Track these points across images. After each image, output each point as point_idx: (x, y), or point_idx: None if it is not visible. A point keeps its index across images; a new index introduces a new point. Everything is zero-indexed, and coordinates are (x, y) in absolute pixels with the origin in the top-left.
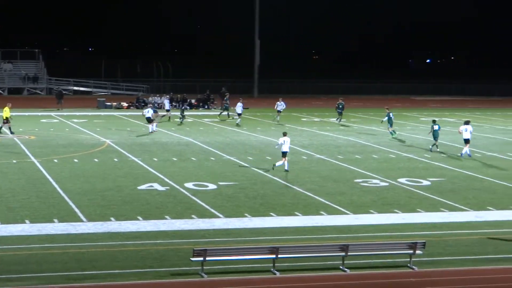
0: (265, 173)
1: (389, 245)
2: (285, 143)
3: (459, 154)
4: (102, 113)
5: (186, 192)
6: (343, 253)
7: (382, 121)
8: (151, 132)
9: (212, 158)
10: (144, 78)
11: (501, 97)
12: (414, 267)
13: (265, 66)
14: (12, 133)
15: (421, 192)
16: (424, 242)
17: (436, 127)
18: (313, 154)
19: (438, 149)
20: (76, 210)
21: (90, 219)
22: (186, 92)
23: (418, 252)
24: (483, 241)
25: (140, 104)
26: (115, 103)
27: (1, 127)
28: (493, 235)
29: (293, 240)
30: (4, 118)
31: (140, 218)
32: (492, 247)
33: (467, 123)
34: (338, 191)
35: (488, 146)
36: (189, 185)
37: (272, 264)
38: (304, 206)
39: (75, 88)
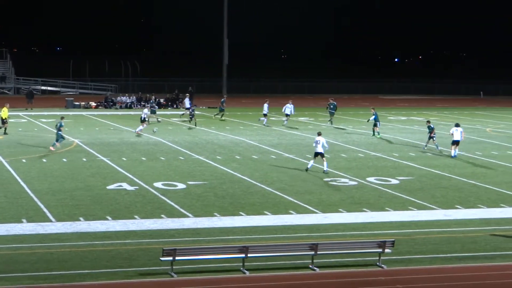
0: (233, 172)
1: (358, 244)
2: (319, 143)
3: (452, 156)
4: (71, 113)
5: (155, 192)
6: (313, 252)
7: (369, 120)
8: (136, 132)
9: (181, 158)
10: (112, 77)
11: (468, 96)
12: (383, 265)
13: (234, 65)
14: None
15: (390, 191)
16: (393, 241)
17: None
18: (282, 153)
19: (425, 148)
20: (45, 210)
21: (59, 219)
22: (154, 91)
23: (387, 250)
24: (452, 240)
25: (109, 104)
26: (83, 103)
27: (2, 127)
28: (461, 233)
29: (262, 239)
30: (4, 118)
31: (109, 218)
32: (460, 245)
33: (457, 125)
34: (307, 190)
35: None
36: (158, 184)
37: (241, 264)
38: (273, 205)
39: (43, 87)
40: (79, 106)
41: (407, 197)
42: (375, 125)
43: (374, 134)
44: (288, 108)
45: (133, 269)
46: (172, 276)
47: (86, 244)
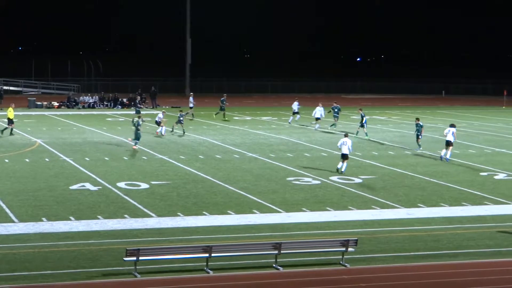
0: (197, 172)
1: (321, 242)
2: (345, 145)
3: (445, 159)
4: (33, 113)
5: (118, 192)
6: (276, 251)
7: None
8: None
9: (144, 157)
10: (75, 77)
11: (430, 95)
12: (346, 264)
13: (197, 65)
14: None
15: (353, 190)
16: (356, 240)
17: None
18: (245, 152)
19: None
20: (7, 210)
21: (22, 219)
22: (117, 91)
23: (350, 249)
24: (414, 238)
25: (71, 104)
26: (46, 103)
27: (8, 128)
28: (424, 231)
29: (226, 238)
30: (10, 118)
31: (72, 218)
32: (423, 244)
33: (452, 125)
34: (271, 189)
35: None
36: (122, 184)
37: (205, 263)
38: (236, 204)
39: (5, 87)
40: (41, 106)
41: (370, 196)
42: (362, 126)
43: (356, 134)
44: (319, 111)
45: (96, 269)
46: (136, 276)
47: (49, 245)
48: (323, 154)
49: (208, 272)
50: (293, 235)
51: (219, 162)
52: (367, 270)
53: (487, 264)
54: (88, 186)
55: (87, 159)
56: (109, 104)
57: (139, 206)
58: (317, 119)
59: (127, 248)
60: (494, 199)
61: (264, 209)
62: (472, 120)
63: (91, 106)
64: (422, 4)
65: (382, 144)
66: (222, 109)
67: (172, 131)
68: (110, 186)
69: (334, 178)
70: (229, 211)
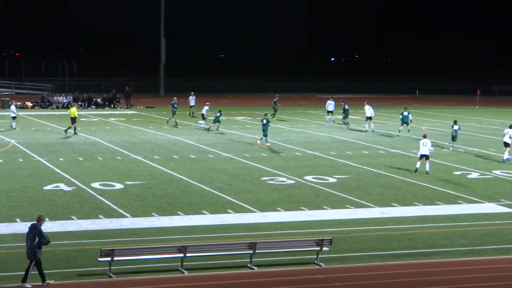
0: (172, 172)
1: (296, 242)
2: (425, 146)
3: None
4: (7, 113)
5: (92, 192)
6: (251, 251)
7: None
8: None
9: (118, 158)
10: (49, 77)
11: (404, 95)
12: (321, 263)
13: (172, 65)
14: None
15: (327, 189)
16: (331, 239)
17: (456, 127)
18: (220, 152)
19: (451, 148)
20: None
21: None
22: (91, 91)
23: (325, 248)
24: (389, 237)
25: (45, 104)
26: (19, 103)
27: (72, 127)
28: (398, 231)
29: (201, 238)
30: (74, 117)
31: (47, 219)
32: (397, 243)
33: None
34: (245, 189)
35: (391, 143)
36: (96, 185)
37: (180, 263)
38: (211, 204)
39: None
40: (16, 106)
41: (345, 196)
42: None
43: (347, 126)
44: (331, 105)
45: (71, 270)
46: (111, 277)
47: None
48: (297, 154)
49: (183, 272)
50: (268, 235)
51: (194, 162)
52: (342, 270)
53: (460, 262)
54: (62, 186)
55: (61, 159)
56: (83, 104)
57: (114, 206)
58: (330, 112)
59: (102, 249)
60: (467, 198)
61: (239, 209)
62: (446, 120)
63: (65, 106)
64: (397, 4)
65: (356, 143)
66: (274, 110)
67: (208, 130)
68: (84, 187)
69: (309, 177)
70: (204, 211)
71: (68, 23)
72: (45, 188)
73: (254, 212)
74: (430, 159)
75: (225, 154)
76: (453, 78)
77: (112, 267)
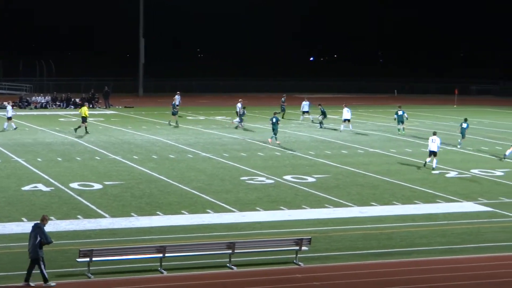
0: (151, 172)
1: (275, 241)
2: (434, 142)
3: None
4: None
5: (71, 192)
6: (230, 251)
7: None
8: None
9: (97, 158)
10: (27, 77)
11: (382, 94)
12: (300, 263)
13: (151, 65)
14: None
15: (306, 189)
16: (310, 238)
17: (464, 125)
18: (199, 152)
19: (459, 146)
20: None
21: None
22: (70, 91)
23: (304, 248)
24: (367, 236)
25: (24, 104)
26: None
27: (82, 126)
28: (377, 230)
29: (180, 238)
30: (84, 116)
31: (25, 220)
32: (376, 242)
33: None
34: (225, 189)
35: (370, 143)
36: (74, 185)
37: (159, 263)
38: (190, 204)
39: None
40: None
41: (323, 195)
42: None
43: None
44: (306, 105)
45: (49, 270)
46: (89, 277)
47: (2, 246)
48: (276, 153)
49: (162, 272)
50: (247, 235)
51: (173, 162)
52: (321, 269)
53: (439, 261)
54: (41, 187)
55: (39, 159)
56: (61, 104)
57: (92, 206)
58: (305, 112)
59: (80, 249)
60: (445, 197)
61: (218, 209)
62: (424, 119)
63: (44, 107)
64: (375, 3)
65: (334, 143)
66: (282, 109)
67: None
68: (62, 187)
69: (288, 177)
70: (183, 211)
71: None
72: (23, 188)
73: (233, 211)
74: (436, 156)
75: (204, 154)
76: (431, 77)
77: (90, 268)
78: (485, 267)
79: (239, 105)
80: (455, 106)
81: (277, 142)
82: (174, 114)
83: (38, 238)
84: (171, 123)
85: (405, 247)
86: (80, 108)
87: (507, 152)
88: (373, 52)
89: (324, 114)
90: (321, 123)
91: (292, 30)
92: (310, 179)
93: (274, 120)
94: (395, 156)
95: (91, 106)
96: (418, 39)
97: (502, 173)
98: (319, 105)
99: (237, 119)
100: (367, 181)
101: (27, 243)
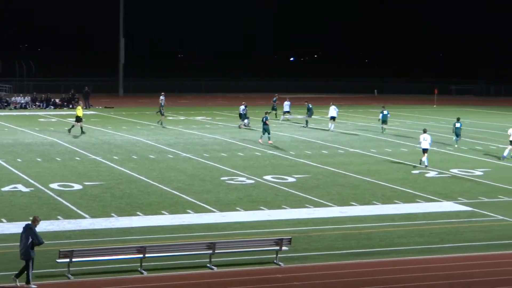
0: (131, 172)
1: (255, 242)
2: (425, 140)
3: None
4: None
5: (51, 193)
6: (210, 251)
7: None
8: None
9: (77, 158)
10: (6, 77)
11: (362, 94)
12: (280, 263)
13: (131, 65)
14: None
15: (287, 189)
16: (290, 238)
17: (458, 125)
18: (180, 152)
19: (456, 145)
20: None
21: None
22: (49, 91)
23: (284, 248)
24: (347, 236)
25: (3, 104)
26: None
27: (77, 126)
28: (356, 229)
29: (160, 239)
30: (79, 116)
31: (4, 220)
32: (355, 242)
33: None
34: (205, 189)
35: (350, 143)
36: (54, 185)
37: (139, 264)
38: (171, 204)
39: None
40: None
41: (304, 195)
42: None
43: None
44: (287, 105)
45: None
46: (69, 278)
47: None
48: (256, 153)
49: (142, 273)
50: (227, 235)
51: (153, 162)
52: (301, 269)
53: (417, 261)
54: (20, 187)
55: (19, 160)
56: (41, 104)
57: (72, 207)
58: (286, 112)
59: (60, 250)
60: (425, 196)
61: (198, 209)
62: (404, 119)
63: (23, 107)
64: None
65: (315, 143)
66: (274, 108)
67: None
68: (42, 188)
69: (268, 177)
70: (163, 211)
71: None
72: (3, 189)
73: (214, 212)
74: (427, 153)
75: (184, 154)
76: (411, 77)
77: (71, 268)
78: (463, 267)
79: (242, 107)
80: (434, 106)
81: (269, 141)
82: (162, 114)
83: (30, 239)
84: (159, 123)
85: (384, 247)
86: (76, 108)
87: (505, 153)
88: (353, 53)
89: (310, 111)
90: (306, 122)
91: (273, 30)
92: (290, 179)
93: (264, 119)
94: (376, 156)
95: (71, 106)
96: (399, 40)
97: (481, 173)
98: (306, 102)
99: (246, 121)
100: (348, 181)
101: (8, 244)
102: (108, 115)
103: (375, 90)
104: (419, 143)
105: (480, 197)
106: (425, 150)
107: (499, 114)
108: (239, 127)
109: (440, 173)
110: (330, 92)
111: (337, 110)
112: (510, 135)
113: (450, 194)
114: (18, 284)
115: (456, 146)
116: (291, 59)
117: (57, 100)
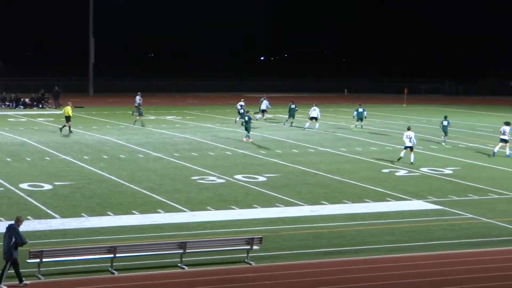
0: (101, 172)
1: (226, 241)
2: (409, 138)
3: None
4: None
5: (21, 193)
6: (181, 251)
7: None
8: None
9: (47, 158)
10: None
11: (333, 94)
12: (251, 262)
13: (101, 64)
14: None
15: (257, 188)
16: (261, 238)
17: (445, 123)
18: (150, 152)
19: (444, 143)
20: None
21: None
22: (19, 91)
23: (255, 247)
24: (318, 235)
25: None
26: None
27: (66, 126)
28: (327, 228)
29: (131, 239)
30: (67, 115)
31: None
32: (326, 241)
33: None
34: (175, 188)
35: (321, 142)
36: (24, 185)
37: (110, 264)
38: (141, 204)
39: None
40: None
41: (274, 194)
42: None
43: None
44: (264, 104)
45: None
46: (40, 279)
47: None
48: (227, 152)
49: (113, 273)
50: (198, 234)
51: (123, 162)
52: (272, 268)
53: (388, 259)
54: None
55: None
56: (11, 104)
57: (42, 207)
58: (263, 111)
59: (30, 250)
60: (395, 195)
61: (169, 209)
62: (374, 118)
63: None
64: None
65: (285, 142)
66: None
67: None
68: (12, 188)
69: (239, 176)
70: (133, 211)
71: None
72: None
73: (184, 211)
74: (412, 150)
75: (155, 154)
76: (381, 77)
77: (41, 269)
78: (433, 265)
79: (241, 103)
80: (404, 105)
81: (250, 140)
82: (141, 114)
83: (13, 239)
84: (137, 124)
85: (355, 246)
86: (64, 107)
87: (496, 149)
88: (322, 52)
89: (290, 112)
90: (287, 121)
91: (242, 30)
92: (261, 178)
93: (246, 118)
94: (346, 155)
95: (40, 106)
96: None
97: (451, 172)
98: (291, 102)
99: (260, 115)
100: (318, 180)
101: None
102: (79, 115)
103: (345, 90)
104: (404, 141)
105: (450, 196)
106: (409, 148)
107: (467, 113)
108: (235, 121)
109: (410, 171)
110: (300, 91)
111: (318, 110)
112: (501, 133)
113: (420, 192)
114: (3, 286)
115: (444, 144)
116: (261, 58)
117: (26, 100)
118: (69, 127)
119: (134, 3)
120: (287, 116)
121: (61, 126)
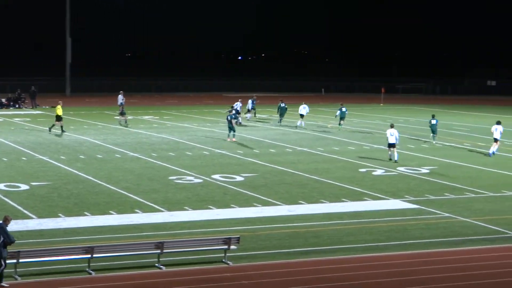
0: (78, 172)
1: (204, 241)
2: (392, 135)
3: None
4: None
5: None
6: (159, 251)
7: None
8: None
9: (23, 158)
10: None
11: (310, 93)
12: (229, 262)
13: (78, 64)
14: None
15: (235, 188)
16: (238, 237)
17: (434, 121)
18: (127, 152)
19: (434, 141)
20: None
21: None
22: None
23: (232, 247)
24: (295, 235)
25: None
26: None
27: (57, 124)
28: (304, 228)
29: (108, 239)
30: (59, 115)
31: None
32: (303, 240)
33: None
34: (153, 188)
35: (298, 141)
36: (1, 186)
37: (87, 264)
38: (118, 204)
39: None
40: None
41: (252, 194)
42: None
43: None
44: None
45: None
46: (16, 279)
47: None
48: (204, 152)
49: (90, 273)
50: (175, 234)
51: (101, 162)
52: (249, 268)
53: (365, 258)
54: None
55: None
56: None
57: (19, 207)
58: (249, 110)
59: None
60: (373, 194)
61: (146, 209)
62: (352, 118)
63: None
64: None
65: (263, 142)
66: (253, 108)
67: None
68: None
69: (216, 176)
70: (111, 211)
71: None
72: None
73: (162, 211)
74: (395, 147)
75: (132, 154)
76: (359, 76)
77: (17, 269)
78: (410, 264)
79: (239, 103)
80: (381, 104)
81: (233, 139)
82: (123, 114)
83: (2, 238)
84: (121, 123)
85: (332, 245)
86: (56, 107)
87: (492, 150)
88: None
89: (278, 111)
90: (280, 120)
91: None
92: (239, 178)
93: (228, 118)
94: (323, 155)
95: (17, 106)
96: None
97: (427, 171)
98: (281, 100)
99: (249, 114)
100: (295, 179)
101: None
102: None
103: (323, 89)
104: (386, 138)
105: (427, 195)
106: (392, 145)
107: (444, 112)
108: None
109: (387, 171)
110: (277, 91)
111: (306, 108)
112: (493, 133)
113: (397, 192)
114: (4, 284)
115: (434, 142)
116: (239, 57)
117: (3, 100)
118: (61, 126)
119: (113, 3)
120: (279, 116)
121: (50, 126)
